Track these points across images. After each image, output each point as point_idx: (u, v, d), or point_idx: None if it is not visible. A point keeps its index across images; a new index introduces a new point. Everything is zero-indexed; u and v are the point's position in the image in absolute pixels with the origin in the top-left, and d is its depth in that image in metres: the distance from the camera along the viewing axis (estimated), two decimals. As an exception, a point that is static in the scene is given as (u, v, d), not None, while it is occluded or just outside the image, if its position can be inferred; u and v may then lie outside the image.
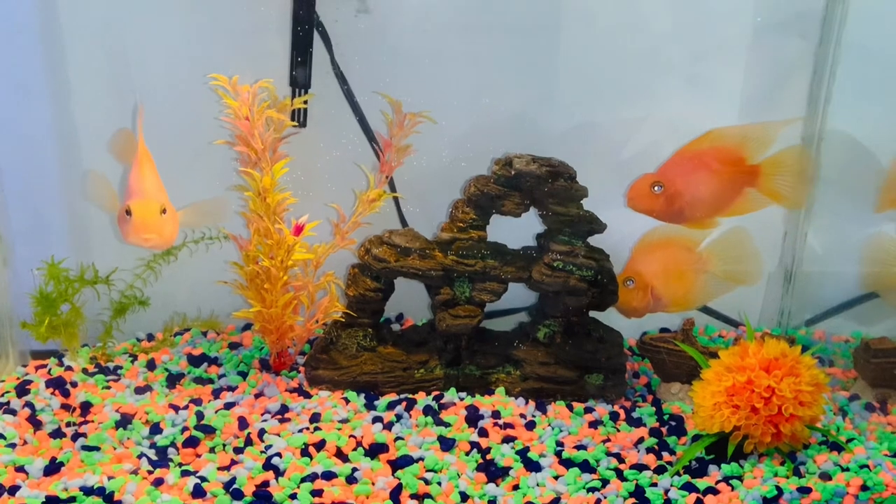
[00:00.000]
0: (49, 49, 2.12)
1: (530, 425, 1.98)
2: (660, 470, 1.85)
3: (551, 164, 2.03)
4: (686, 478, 1.81)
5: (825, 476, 1.81)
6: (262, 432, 1.90)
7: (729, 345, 2.34)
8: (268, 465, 1.77)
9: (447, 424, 1.96)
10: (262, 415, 1.98)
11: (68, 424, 1.93)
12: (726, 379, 1.85)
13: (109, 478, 1.71)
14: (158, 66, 2.14)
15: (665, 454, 1.91)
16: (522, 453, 1.86)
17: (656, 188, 2.15)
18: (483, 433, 1.93)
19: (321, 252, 2.11)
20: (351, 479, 1.75)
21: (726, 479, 1.81)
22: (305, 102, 2.14)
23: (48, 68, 2.13)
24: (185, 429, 1.90)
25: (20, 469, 1.75)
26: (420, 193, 2.29)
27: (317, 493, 1.70)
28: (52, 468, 1.75)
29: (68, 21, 2.10)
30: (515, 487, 1.78)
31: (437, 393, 2.10)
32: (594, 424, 2.02)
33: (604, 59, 2.22)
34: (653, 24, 2.21)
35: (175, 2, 2.12)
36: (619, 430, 2.01)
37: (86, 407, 1.98)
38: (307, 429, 1.91)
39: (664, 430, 2.01)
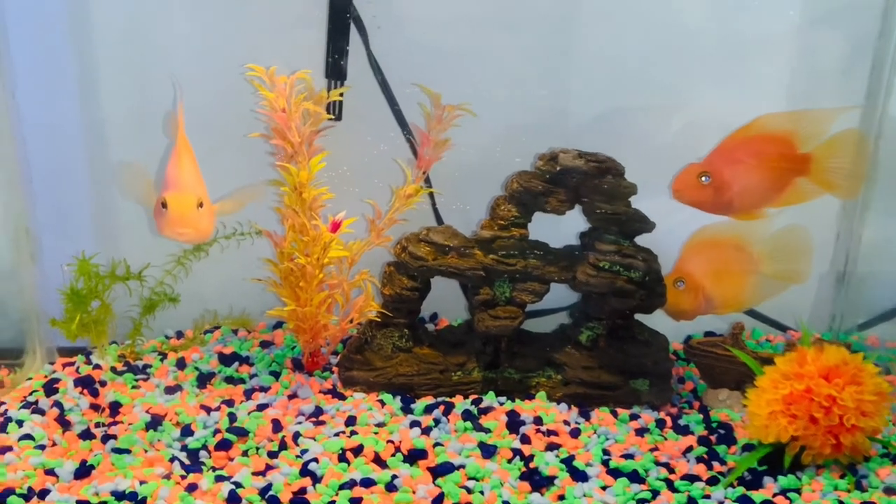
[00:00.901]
0: (77, 42, 2.07)
1: (575, 433, 1.90)
2: (712, 481, 1.76)
3: (598, 160, 1.94)
4: (741, 490, 1.72)
5: (890, 490, 1.71)
6: (296, 435, 1.83)
7: (778, 349, 2.26)
8: (304, 471, 1.71)
9: (487, 430, 1.89)
10: (296, 417, 1.92)
11: (97, 425, 1.87)
12: (783, 387, 1.76)
13: (141, 482, 1.65)
14: (190, 59, 2.08)
15: (715, 464, 1.82)
16: (568, 462, 1.78)
17: (703, 178, 2.04)
18: (525, 440, 1.86)
19: (356, 249, 2.04)
20: (391, 487, 1.67)
21: (783, 492, 1.72)
22: (341, 95, 2.06)
23: (77, 61, 2.08)
24: (216, 431, 1.84)
25: (50, 472, 1.69)
26: (454, 188, 2.21)
27: (356, 501, 1.63)
28: (83, 471, 1.70)
29: (98, 14, 2.05)
30: (561, 498, 1.71)
31: (475, 397, 2.02)
32: (640, 432, 1.94)
33: (640, 50, 2.13)
34: (694, 12, 2.12)
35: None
36: (666, 439, 1.92)
37: (115, 407, 1.92)
38: (343, 433, 1.85)
39: (713, 438, 1.92)
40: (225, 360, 2.14)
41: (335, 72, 2.09)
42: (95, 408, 1.92)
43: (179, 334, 2.27)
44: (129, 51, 2.08)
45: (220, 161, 2.01)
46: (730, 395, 2.07)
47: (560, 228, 2.07)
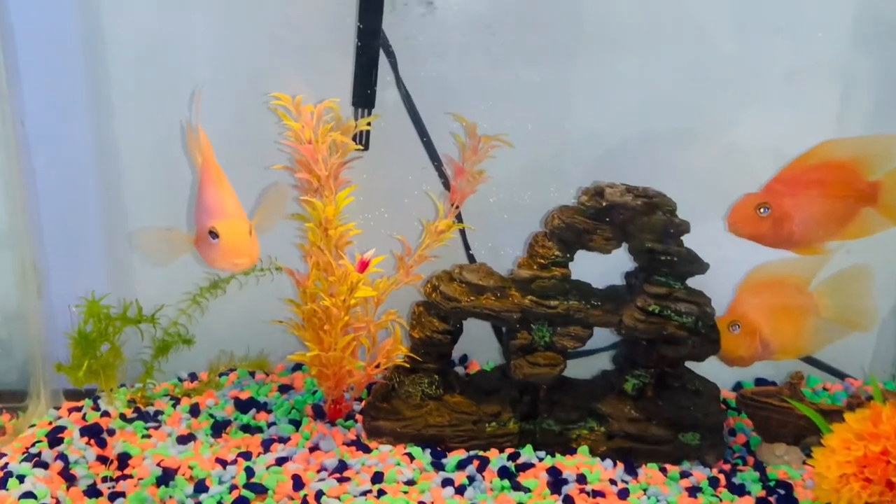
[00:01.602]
0: (91, 68, 1.95)
1: (623, 493, 1.74)
2: (777, 551, 1.60)
3: (648, 195, 1.80)
4: (810, 562, 1.56)
5: (979, 567, 1.54)
6: (319, 494, 1.68)
7: (836, 399, 2.10)
8: (329, 537, 1.56)
9: (527, 490, 1.73)
10: (319, 472, 1.77)
11: (104, 479, 1.73)
12: (856, 448, 1.60)
13: (151, 549, 1.51)
14: (209, 82, 1.95)
15: (778, 530, 1.66)
16: (617, 528, 1.62)
17: (762, 210, 1.88)
18: (569, 501, 1.70)
19: (383, 288, 1.91)
20: (423, 557, 1.52)
21: (858, 566, 1.55)
22: (369, 124, 1.94)
23: (90, 88, 1.96)
24: (233, 487, 1.70)
25: (51, 535, 1.55)
26: (484, 223, 2.07)
27: (386, 573, 1.47)
28: (87, 535, 1.56)
29: (112, 35, 1.93)
30: (611, 569, 1.55)
31: (511, 450, 1.87)
32: (693, 492, 1.77)
33: (682, 75, 1.99)
34: (745, 37, 1.98)
35: (229, 15, 1.94)
36: (721, 499, 1.76)
37: (124, 459, 1.78)
38: (370, 492, 1.69)
39: (772, 499, 1.76)
40: (241, 406, 2.00)
41: (363, 100, 1.96)
42: (103, 460, 1.78)
43: (193, 377, 2.13)
44: (146, 74, 1.96)
45: (238, 188, 1.87)
46: (788, 451, 1.90)
47: (594, 265, 1.92)
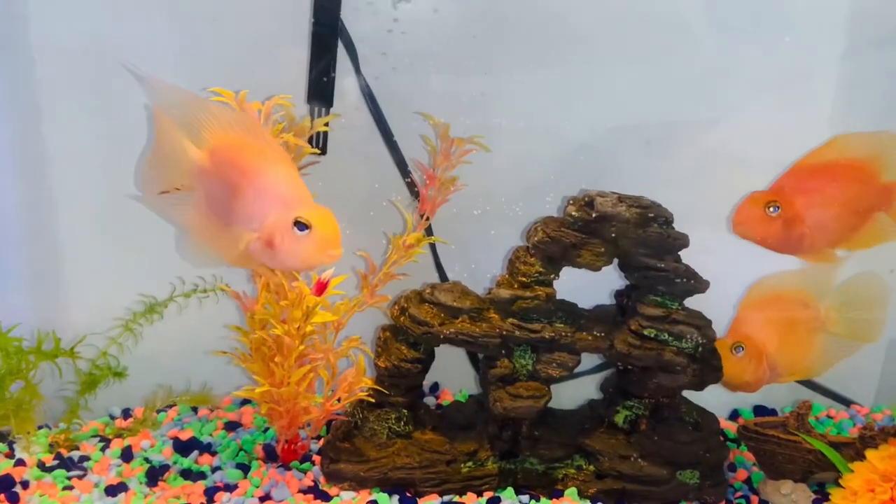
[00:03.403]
0: (14, 67, 1.70)
1: (618, 544, 1.54)
2: None
3: (642, 205, 1.60)
4: None
5: None
6: (269, 555, 1.44)
7: (842, 428, 1.93)
8: None
9: (510, 541, 1.52)
10: (270, 526, 1.53)
11: (13, 543, 1.47)
12: (881, 490, 1.43)
13: None
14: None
15: (791, 581, 1.47)
16: (614, 587, 1.41)
17: (771, 209, 1.68)
18: (558, 555, 1.49)
19: (345, 311, 1.68)
20: None
21: None
22: (327, 124, 1.71)
23: (11, 89, 1.72)
24: (168, 548, 1.45)
25: None
26: (458, 236, 1.87)
27: None
28: None
29: (42, 31, 1.69)
30: None
31: (490, 494, 1.65)
32: (695, 538, 1.58)
33: (670, 72, 1.82)
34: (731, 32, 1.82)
35: (172, 8, 1.70)
36: (726, 546, 1.57)
37: (38, 516, 1.52)
38: (329, 550, 1.46)
39: (782, 545, 1.57)
40: (181, 447, 1.74)
41: (319, 96, 1.74)
42: (13, 518, 1.52)
43: (126, 413, 1.87)
44: (81, 71, 1.72)
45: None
46: (794, 489, 1.72)
47: (570, 279, 1.71)
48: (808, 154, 1.70)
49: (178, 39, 1.72)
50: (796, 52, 1.83)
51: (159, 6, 1.71)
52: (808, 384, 1.99)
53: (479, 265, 1.89)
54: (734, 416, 1.99)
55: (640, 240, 1.61)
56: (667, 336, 1.62)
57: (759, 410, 1.99)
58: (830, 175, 1.68)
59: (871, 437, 1.63)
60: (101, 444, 1.75)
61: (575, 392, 1.89)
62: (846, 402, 2.00)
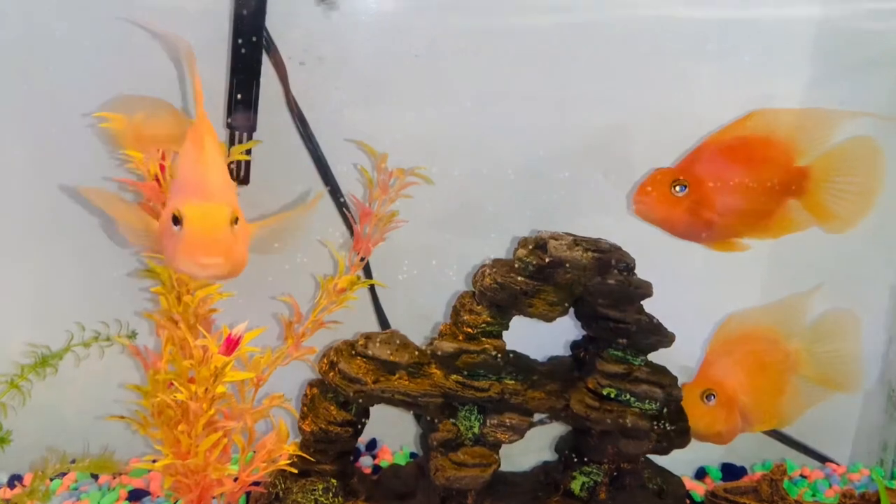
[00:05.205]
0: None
1: None
2: None
3: (600, 249, 1.43)
4: None
5: None
6: None
7: (816, 490, 1.77)
8: None
9: None
10: None
11: None
12: (867, 573, 1.26)
13: None
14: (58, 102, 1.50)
15: None
16: None
17: (678, 189, 1.50)
18: None
19: (265, 365, 1.47)
20: None
21: None
22: (248, 152, 1.51)
23: None
24: None
25: None
26: (400, 277, 1.68)
27: None
28: None
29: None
30: None
31: (431, 576, 1.45)
32: None
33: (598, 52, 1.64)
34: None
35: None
36: None
37: None
38: None
39: None
40: (74, 523, 1.51)
41: (240, 121, 1.54)
42: None
43: (13, 481, 1.62)
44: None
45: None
46: (769, 561, 1.55)
47: (533, 328, 1.53)
48: (723, 129, 1.51)
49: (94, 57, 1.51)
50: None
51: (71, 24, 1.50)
52: (779, 436, 1.83)
53: (426, 309, 1.71)
54: (700, 474, 1.82)
55: (598, 288, 1.43)
56: (628, 396, 1.44)
57: (727, 468, 1.82)
58: (747, 152, 1.49)
59: (852, 507, 1.48)
60: (-22, 521, 1.51)
61: (527, 441, 1.70)
62: (820, 457, 1.84)
